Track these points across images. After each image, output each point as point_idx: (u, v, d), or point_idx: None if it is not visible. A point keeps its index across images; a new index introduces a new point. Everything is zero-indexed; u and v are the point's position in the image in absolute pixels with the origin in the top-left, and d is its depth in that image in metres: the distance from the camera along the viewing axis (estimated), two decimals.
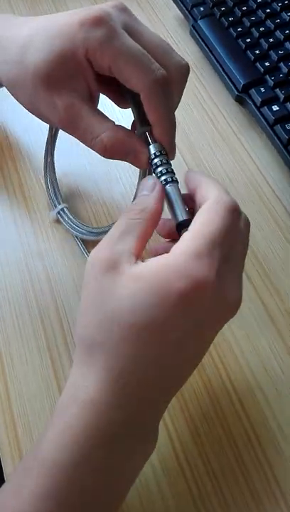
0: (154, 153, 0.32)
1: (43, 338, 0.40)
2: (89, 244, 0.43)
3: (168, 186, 0.31)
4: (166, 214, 0.31)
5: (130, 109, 0.34)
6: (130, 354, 0.26)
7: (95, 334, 0.27)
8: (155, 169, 0.32)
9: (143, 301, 0.25)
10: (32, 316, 0.41)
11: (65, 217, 0.44)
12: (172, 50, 0.33)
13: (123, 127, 0.32)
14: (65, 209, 0.44)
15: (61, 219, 0.44)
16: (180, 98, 0.34)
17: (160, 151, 0.32)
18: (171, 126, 0.32)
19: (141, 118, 0.32)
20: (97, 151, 0.32)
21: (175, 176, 0.31)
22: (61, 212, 0.44)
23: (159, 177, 0.31)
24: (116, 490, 0.28)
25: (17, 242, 0.44)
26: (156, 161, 0.31)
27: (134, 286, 0.26)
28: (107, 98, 0.36)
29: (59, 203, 0.45)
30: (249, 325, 0.40)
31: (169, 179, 0.31)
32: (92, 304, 0.27)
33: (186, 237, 0.27)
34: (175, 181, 0.31)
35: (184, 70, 0.33)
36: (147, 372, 0.26)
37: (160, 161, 0.31)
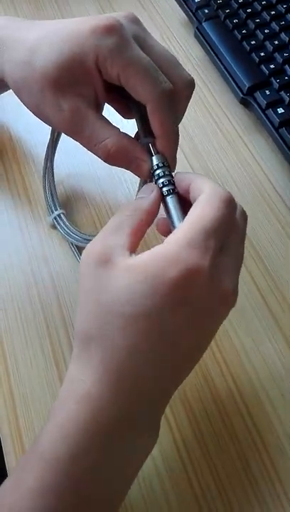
0: (157, 164, 0.32)
1: (47, 341, 0.40)
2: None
3: (169, 197, 0.31)
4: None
5: (133, 120, 0.34)
6: (126, 346, 0.26)
7: (91, 328, 0.27)
8: (157, 180, 0.32)
9: (138, 292, 0.26)
10: (36, 319, 0.41)
11: (61, 223, 0.44)
12: (179, 65, 0.33)
13: (127, 135, 0.33)
14: (62, 215, 0.44)
15: (57, 225, 0.44)
16: (184, 112, 0.35)
17: (162, 163, 0.32)
18: (175, 139, 0.33)
19: (144, 129, 0.33)
20: (99, 156, 0.33)
21: (177, 188, 0.31)
22: (57, 218, 0.44)
23: (161, 188, 0.31)
24: (117, 485, 0.28)
25: (21, 245, 0.44)
26: (158, 172, 0.32)
27: (128, 277, 0.26)
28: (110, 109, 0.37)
29: (56, 209, 0.44)
30: (251, 324, 0.40)
31: (170, 190, 0.31)
32: (87, 298, 0.27)
33: (181, 227, 0.27)
34: (176, 193, 0.31)
35: (190, 85, 0.34)
36: (144, 363, 0.26)
37: (163, 172, 0.32)
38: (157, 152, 0.32)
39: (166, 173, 0.32)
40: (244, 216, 0.30)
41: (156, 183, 0.32)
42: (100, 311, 0.27)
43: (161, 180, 0.31)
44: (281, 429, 0.36)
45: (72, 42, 0.31)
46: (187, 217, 0.28)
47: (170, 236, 0.27)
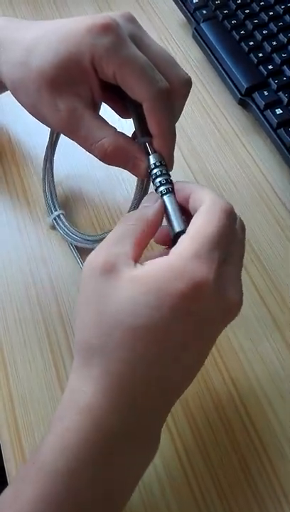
0: (154, 164, 0.32)
1: (46, 343, 0.40)
2: (83, 252, 0.43)
3: (166, 197, 0.31)
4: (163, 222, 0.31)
5: (130, 120, 0.34)
6: (129, 358, 0.26)
7: (94, 338, 0.26)
8: (154, 179, 0.32)
9: (144, 304, 0.25)
10: (35, 320, 0.41)
11: (61, 224, 0.44)
12: (176, 64, 0.33)
13: (124, 134, 0.33)
14: (61, 216, 0.44)
15: (57, 226, 0.44)
16: (181, 111, 0.35)
17: (159, 162, 0.32)
18: (171, 138, 0.33)
19: (141, 128, 0.33)
20: (96, 156, 0.33)
21: (174, 186, 0.31)
22: (57, 218, 0.44)
23: (158, 187, 0.31)
24: (117, 497, 0.28)
25: (20, 246, 0.44)
26: (155, 171, 0.32)
27: (133, 288, 0.26)
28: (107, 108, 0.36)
29: (55, 210, 0.44)
30: (252, 328, 0.40)
31: (167, 190, 0.31)
32: (90, 308, 0.27)
33: (185, 238, 0.27)
34: (173, 192, 0.31)
35: (187, 84, 0.34)
36: (146, 376, 0.26)
37: (160, 171, 0.32)
38: (154, 151, 0.32)
39: (163, 172, 0.32)
40: (243, 226, 0.30)
41: (153, 182, 0.32)
42: (102, 322, 0.26)
43: (158, 179, 0.31)
44: (281, 431, 0.36)
45: (68, 41, 0.31)
46: (189, 228, 0.28)
47: (176, 247, 0.27)
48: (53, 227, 0.45)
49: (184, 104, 0.34)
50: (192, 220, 0.28)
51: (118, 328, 0.26)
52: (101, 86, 0.32)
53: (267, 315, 0.41)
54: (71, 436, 0.26)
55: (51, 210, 0.45)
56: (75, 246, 0.43)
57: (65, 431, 0.26)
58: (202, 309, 0.26)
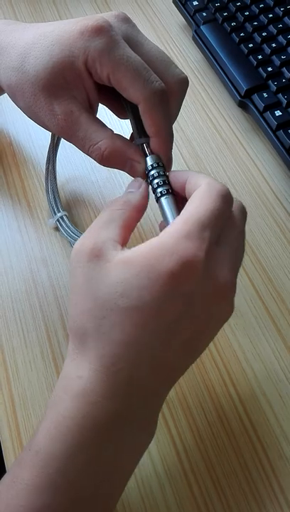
0: (151, 165, 0.32)
1: (46, 344, 0.40)
2: None
3: (163, 198, 0.31)
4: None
5: (129, 120, 0.34)
6: (122, 340, 0.26)
7: (87, 323, 0.27)
8: (151, 181, 0.32)
9: (135, 284, 0.25)
10: (36, 322, 0.41)
11: (64, 225, 0.44)
12: (171, 63, 0.33)
13: (121, 136, 0.33)
14: (64, 217, 0.45)
15: (60, 227, 0.44)
16: (179, 111, 0.35)
17: (157, 163, 0.32)
18: (169, 138, 0.32)
19: (139, 129, 0.33)
20: (94, 158, 0.33)
21: (173, 186, 0.32)
22: (60, 220, 0.45)
23: (155, 189, 0.31)
24: (113, 482, 0.28)
25: (21, 248, 0.45)
26: (152, 172, 0.32)
27: (124, 270, 0.26)
28: (107, 108, 0.37)
29: (58, 211, 0.45)
30: (251, 328, 0.40)
31: (165, 191, 0.31)
32: (81, 294, 0.27)
33: (176, 220, 0.27)
34: (171, 193, 0.31)
35: (183, 83, 0.33)
36: (140, 357, 0.26)
37: (157, 172, 0.32)
38: (152, 152, 0.32)
39: (161, 173, 0.32)
40: (243, 210, 0.30)
41: (150, 183, 0.32)
42: (95, 306, 0.26)
43: (156, 180, 0.31)
44: (280, 431, 0.36)
45: (61, 45, 0.31)
46: (183, 210, 0.28)
47: (167, 229, 0.27)
48: (56, 229, 0.45)
49: (181, 103, 0.34)
50: (187, 203, 0.28)
51: (111, 310, 0.26)
52: (97, 88, 0.32)
53: (266, 315, 0.41)
54: (66, 421, 0.26)
55: (54, 212, 0.45)
56: None
57: (60, 416, 0.26)
58: (193, 289, 0.26)
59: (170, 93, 0.32)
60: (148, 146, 0.32)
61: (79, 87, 0.32)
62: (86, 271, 0.27)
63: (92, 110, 0.33)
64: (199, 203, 0.27)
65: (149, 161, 0.32)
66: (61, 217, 0.45)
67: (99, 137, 0.32)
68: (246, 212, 0.31)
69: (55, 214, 0.45)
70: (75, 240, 0.43)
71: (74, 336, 0.28)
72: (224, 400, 0.37)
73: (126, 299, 0.26)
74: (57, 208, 0.45)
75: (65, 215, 0.45)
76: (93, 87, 0.32)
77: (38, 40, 0.32)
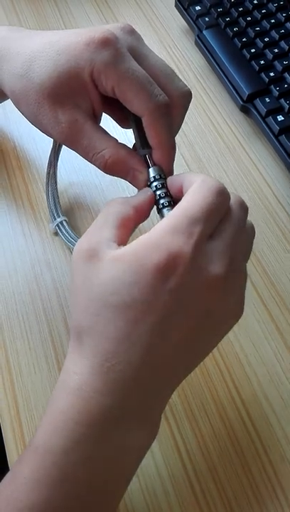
0: (153, 176, 0.32)
1: (50, 347, 0.40)
2: None
3: (165, 210, 0.31)
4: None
5: (132, 130, 0.35)
6: (115, 336, 0.26)
7: (83, 321, 0.27)
8: (154, 192, 0.32)
9: (125, 281, 0.26)
10: (40, 325, 0.41)
11: (64, 230, 0.44)
12: (175, 76, 0.34)
13: (125, 145, 0.33)
14: (64, 222, 0.45)
15: (59, 232, 0.45)
16: (182, 123, 0.35)
17: (159, 175, 0.32)
18: (171, 150, 0.33)
19: (141, 140, 0.33)
20: (97, 166, 0.33)
21: (173, 200, 0.32)
22: (59, 225, 0.45)
23: (158, 200, 0.31)
24: (113, 481, 0.28)
25: (25, 251, 0.45)
26: (155, 184, 0.32)
27: (115, 267, 0.26)
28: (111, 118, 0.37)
29: (58, 216, 0.45)
30: (253, 331, 0.41)
31: (167, 203, 0.31)
32: (78, 294, 0.28)
33: (166, 216, 0.27)
34: (172, 205, 0.31)
35: (186, 96, 0.34)
36: (133, 353, 0.26)
37: (160, 183, 0.32)
38: (154, 163, 0.33)
39: (163, 185, 0.32)
40: (242, 206, 0.30)
41: None
42: (89, 304, 0.27)
43: (158, 192, 0.32)
44: (282, 433, 0.36)
45: (67, 55, 0.31)
46: (176, 206, 0.28)
47: (157, 225, 0.27)
48: (56, 234, 0.45)
49: (184, 116, 0.35)
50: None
51: (104, 308, 0.26)
52: (101, 97, 0.33)
53: (269, 319, 0.41)
54: (63, 416, 0.26)
55: (54, 217, 0.45)
56: None
57: (57, 412, 0.27)
58: (181, 283, 0.26)
59: (173, 106, 0.32)
60: (150, 157, 0.33)
61: (84, 97, 0.32)
62: (82, 271, 0.28)
63: (96, 119, 0.34)
64: (190, 199, 0.27)
65: (152, 172, 0.32)
66: (60, 223, 0.45)
67: (104, 145, 0.32)
68: (247, 207, 0.31)
69: (55, 219, 0.45)
70: (74, 245, 0.43)
71: (73, 333, 0.28)
72: (227, 404, 0.37)
73: (116, 295, 0.26)
74: (57, 213, 0.45)
75: (65, 220, 0.45)
76: (98, 97, 0.32)
77: (44, 48, 0.32)
